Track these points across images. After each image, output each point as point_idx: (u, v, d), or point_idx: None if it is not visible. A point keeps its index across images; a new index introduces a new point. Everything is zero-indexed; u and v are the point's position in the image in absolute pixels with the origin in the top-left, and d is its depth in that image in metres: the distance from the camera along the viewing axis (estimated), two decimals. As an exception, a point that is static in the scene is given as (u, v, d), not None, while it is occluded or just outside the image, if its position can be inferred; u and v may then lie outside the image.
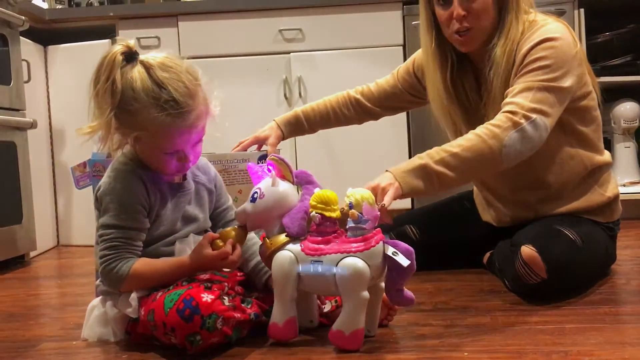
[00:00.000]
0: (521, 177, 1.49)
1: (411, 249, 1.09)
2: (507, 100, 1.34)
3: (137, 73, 1.11)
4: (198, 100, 1.14)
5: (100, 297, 1.21)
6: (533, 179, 1.49)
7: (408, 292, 1.13)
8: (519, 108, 1.31)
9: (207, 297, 1.06)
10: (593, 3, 2.50)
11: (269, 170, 1.16)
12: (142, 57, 1.13)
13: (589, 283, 1.44)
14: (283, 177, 1.16)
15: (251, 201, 1.14)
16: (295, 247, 1.11)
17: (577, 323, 1.18)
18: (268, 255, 1.13)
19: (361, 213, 1.08)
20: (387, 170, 1.29)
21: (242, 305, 1.14)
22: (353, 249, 1.06)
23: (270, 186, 1.13)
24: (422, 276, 1.63)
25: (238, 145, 1.69)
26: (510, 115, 1.30)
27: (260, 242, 1.17)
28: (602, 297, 1.36)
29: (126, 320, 1.18)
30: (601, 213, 1.50)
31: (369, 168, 2.58)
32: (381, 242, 1.08)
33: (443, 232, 1.69)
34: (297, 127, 1.74)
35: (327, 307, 1.22)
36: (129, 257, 1.15)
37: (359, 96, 1.73)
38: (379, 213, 1.11)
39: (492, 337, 1.12)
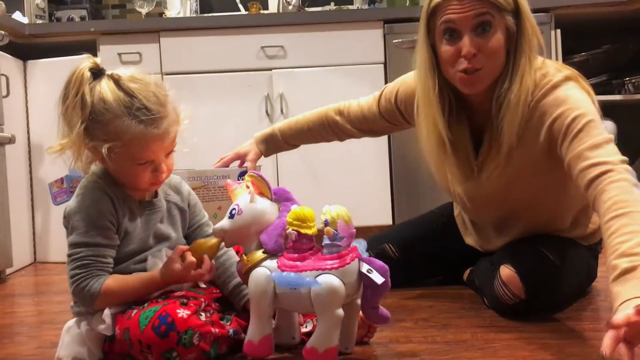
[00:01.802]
0: (517, 220, 1.46)
1: (386, 266, 1.09)
2: (592, 162, 1.17)
3: (106, 85, 1.12)
4: (169, 108, 1.15)
5: (75, 318, 1.19)
6: (530, 222, 1.45)
7: (383, 310, 1.13)
8: (617, 162, 1.16)
9: (183, 313, 1.06)
10: (569, 24, 2.55)
11: (247, 187, 1.16)
12: (109, 72, 1.15)
13: (569, 302, 1.45)
14: (261, 194, 1.16)
15: (229, 217, 1.14)
16: (272, 263, 1.11)
17: (556, 339, 1.19)
18: (245, 271, 1.13)
19: (336, 230, 1.09)
20: None
21: (222, 322, 1.13)
22: (328, 266, 1.07)
23: (248, 203, 1.13)
24: (402, 292, 1.64)
25: (219, 161, 1.68)
26: (623, 170, 1.14)
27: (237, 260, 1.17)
28: (580, 314, 1.38)
29: (102, 340, 1.16)
30: (586, 240, 1.50)
31: (350, 183, 2.62)
32: (356, 260, 1.09)
33: (422, 249, 1.68)
34: (273, 144, 1.72)
35: (308, 327, 1.21)
36: (99, 275, 1.13)
37: (337, 118, 1.66)
38: (354, 230, 1.12)
39: (472, 354, 1.13)
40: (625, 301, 0.96)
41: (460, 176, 1.43)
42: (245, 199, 1.14)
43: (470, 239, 1.63)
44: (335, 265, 1.07)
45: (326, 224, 1.09)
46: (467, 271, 1.65)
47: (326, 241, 1.10)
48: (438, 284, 1.70)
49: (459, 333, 1.27)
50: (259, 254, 1.13)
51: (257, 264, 1.11)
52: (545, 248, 1.39)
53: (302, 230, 1.11)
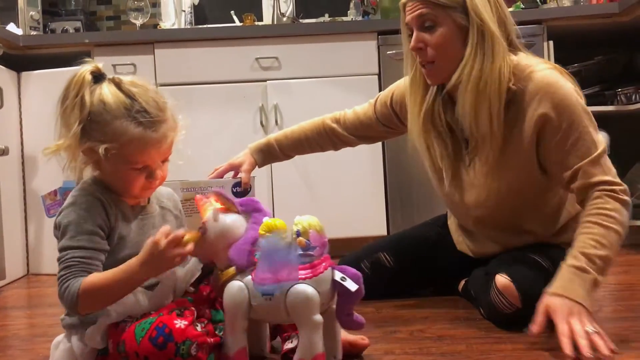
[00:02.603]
0: (511, 228, 1.49)
1: (359, 273, 1.11)
2: (592, 181, 1.30)
3: (107, 88, 1.12)
4: (167, 114, 1.15)
5: (64, 333, 1.17)
6: (522, 230, 1.49)
7: (358, 316, 1.15)
8: (614, 186, 1.30)
9: (180, 324, 1.05)
10: (561, 36, 2.57)
11: (216, 200, 1.16)
12: (110, 76, 1.15)
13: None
14: (227, 210, 1.16)
15: None
16: (246, 276, 1.11)
17: (551, 349, 1.19)
18: (220, 285, 1.14)
19: (309, 240, 1.09)
20: (572, 300, 1.21)
21: (215, 332, 1.13)
22: (302, 276, 1.07)
23: (212, 221, 1.13)
24: (397, 303, 1.63)
25: (213, 172, 1.68)
26: (615, 195, 1.28)
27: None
28: (575, 324, 1.38)
29: (94, 355, 1.14)
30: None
31: (345, 194, 2.62)
32: (330, 268, 1.10)
33: (417, 258, 1.68)
34: (269, 154, 1.73)
35: (294, 342, 1.19)
36: (82, 275, 1.09)
37: (334, 125, 1.70)
38: (326, 239, 1.13)
39: (468, 365, 1.13)
40: (551, 292, 1.23)
41: (447, 168, 1.49)
42: (209, 216, 1.14)
43: (462, 245, 1.64)
44: (308, 275, 1.08)
45: (298, 234, 1.10)
46: (462, 282, 1.65)
47: (299, 251, 1.10)
48: (433, 295, 1.70)
49: (455, 344, 1.27)
50: (233, 268, 1.13)
51: (231, 277, 1.12)
52: (537, 256, 1.41)
53: None
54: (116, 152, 1.11)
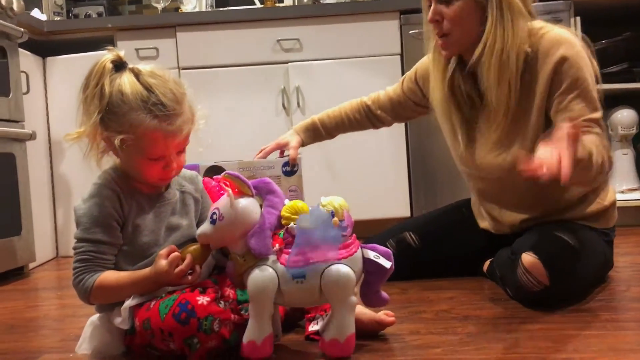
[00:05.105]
0: (531, 192, 1.47)
1: (389, 250, 1.13)
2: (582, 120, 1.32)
3: (126, 78, 1.13)
4: (184, 107, 1.16)
5: (98, 313, 1.21)
6: (543, 195, 1.48)
7: (384, 293, 1.16)
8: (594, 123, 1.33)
9: (202, 300, 1.06)
10: (589, 11, 2.52)
11: (226, 185, 1.12)
12: (130, 66, 1.16)
13: (589, 289, 1.45)
14: (241, 193, 1.12)
15: (211, 223, 1.11)
16: (273, 261, 1.09)
17: (578, 330, 1.18)
18: (241, 273, 1.11)
19: (343, 220, 1.09)
20: None
21: (240, 312, 1.14)
22: (338, 256, 1.07)
23: (229, 207, 1.10)
24: (422, 284, 1.63)
25: (260, 152, 1.73)
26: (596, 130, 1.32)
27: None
28: (602, 304, 1.36)
29: (123, 333, 1.18)
30: (597, 220, 1.50)
31: (368, 177, 2.62)
32: (359, 248, 1.10)
33: (442, 239, 1.69)
34: (314, 133, 1.79)
35: (318, 325, 1.19)
36: (97, 270, 1.15)
37: (370, 103, 1.78)
38: (353, 220, 1.14)
39: (495, 345, 1.12)
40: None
41: (465, 137, 1.52)
42: (224, 203, 1.10)
43: (484, 222, 1.65)
44: (344, 255, 1.08)
45: (332, 215, 1.09)
46: (487, 262, 1.64)
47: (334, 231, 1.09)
48: (458, 275, 1.70)
49: (481, 324, 1.26)
50: (253, 255, 1.10)
51: (252, 265, 1.09)
52: (563, 234, 1.39)
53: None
54: (132, 143, 1.13)
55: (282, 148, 1.74)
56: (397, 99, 1.75)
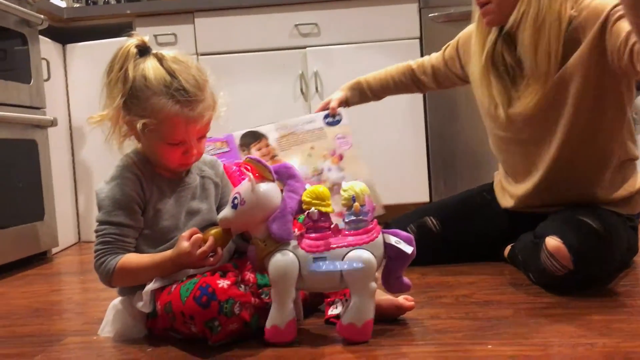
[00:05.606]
0: (564, 168, 1.46)
1: (411, 236, 1.12)
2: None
3: (149, 63, 1.14)
4: (206, 93, 1.16)
5: (120, 297, 1.23)
6: (574, 170, 1.46)
7: (406, 279, 1.15)
8: None
9: (223, 283, 1.07)
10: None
11: (247, 169, 1.12)
12: (154, 51, 1.17)
13: (613, 274, 1.43)
14: (262, 177, 1.11)
15: (232, 207, 1.11)
16: (294, 246, 1.09)
17: (602, 315, 1.17)
18: (262, 257, 1.11)
19: (363, 205, 1.09)
20: None
21: (261, 296, 1.15)
22: (359, 242, 1.07)
23: (250, 192, 1.09)
24: (442, 269, 1.63)
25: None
26: None
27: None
28: (626, 289, 1.35)
29: (145, 317, 1.19)
30: (624, 206, 1.48)
31: (387, 161, 2.60)
32: (381, 233, 1.09)
33: (463, 224, 1.68)
34: (359, 92, 1.85)
35: (338, 309, 1.20)
36: (118, 253, 1.16)
37: (415, 67, 1.82)
38: (375, 205, 1.13)
39: (516, 330, 1.11)
40: None
41: (502, 99, 1.50)
42: (246, 187, 1.10)
43: (505, 202, 1.62)
44: (365, 240, 1.08)
45: (353, 200, 1.09)
46: (508, 247, 1.63)
47: (351, 217, 1.10)
48: (478, 260, 1.68)
49: (502, 309, 1.25)
50: (274, 240, 1.10)
51: (274, 250, 1.09)
52: (587, 218, 1.37)
53: (323, 209, 1.10)
54: (153, 128, 1.13)
55: (326, 104, 1.81)
56: (438, 66, 1.78)
